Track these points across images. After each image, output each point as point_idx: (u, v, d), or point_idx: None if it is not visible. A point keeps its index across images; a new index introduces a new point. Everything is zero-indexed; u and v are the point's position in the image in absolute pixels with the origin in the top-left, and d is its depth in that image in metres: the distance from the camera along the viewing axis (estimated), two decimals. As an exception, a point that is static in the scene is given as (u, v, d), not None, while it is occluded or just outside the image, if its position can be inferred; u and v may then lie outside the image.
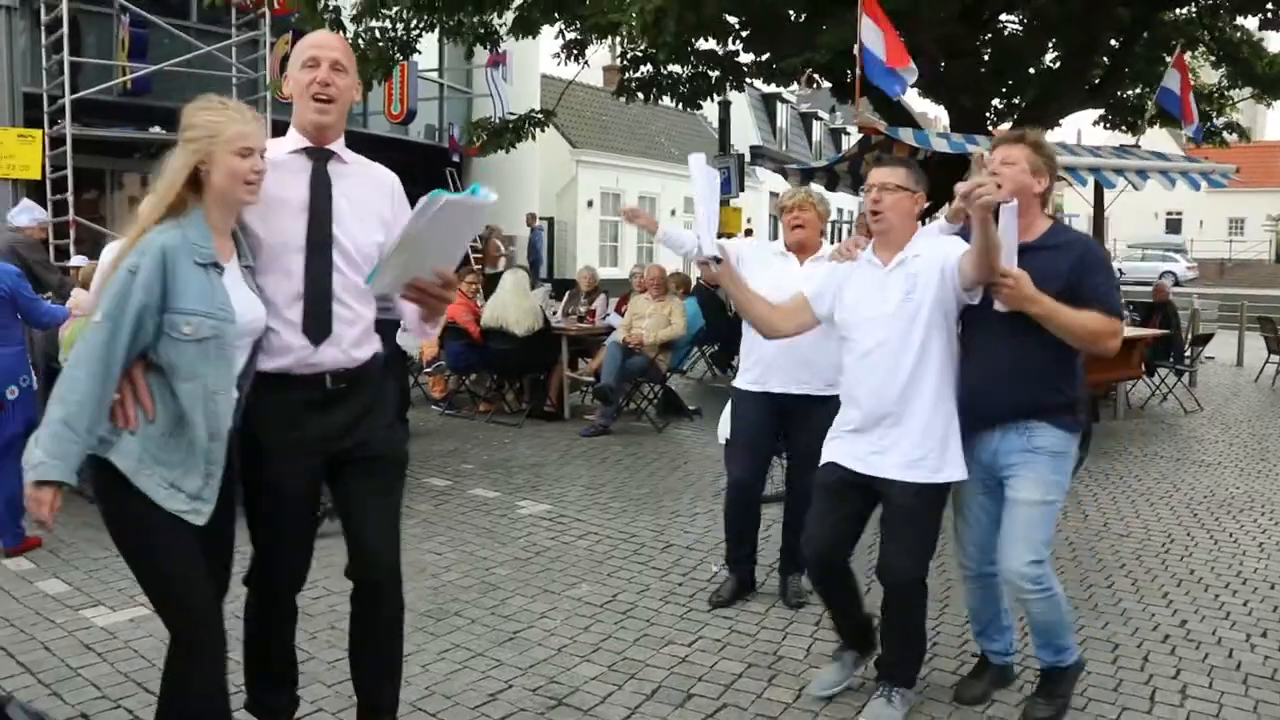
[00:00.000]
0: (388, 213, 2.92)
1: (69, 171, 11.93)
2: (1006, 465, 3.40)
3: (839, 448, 3.52)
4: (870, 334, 3.40)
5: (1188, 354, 11.56)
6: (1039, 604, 3.38)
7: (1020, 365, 3.32)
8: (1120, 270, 30.47)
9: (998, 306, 3.26)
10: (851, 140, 8.75)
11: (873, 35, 7.08)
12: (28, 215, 7.54)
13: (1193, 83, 9.82)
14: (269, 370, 2.74)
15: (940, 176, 7.91)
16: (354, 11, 10.53)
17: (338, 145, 2.86)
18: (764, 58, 12.38)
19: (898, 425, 3.34)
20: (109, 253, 5.43)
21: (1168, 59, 9.90)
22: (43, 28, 12.49)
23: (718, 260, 3.61)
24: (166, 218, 2.53)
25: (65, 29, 11.83)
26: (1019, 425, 3.37)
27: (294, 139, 2.84)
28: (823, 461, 3.54)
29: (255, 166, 2.57)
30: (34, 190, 12.08)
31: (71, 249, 11.26)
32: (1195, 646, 4.25)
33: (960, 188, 2.93)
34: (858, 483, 3.43)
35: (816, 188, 9.52)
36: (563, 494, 6.70)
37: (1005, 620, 3.75)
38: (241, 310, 2.59)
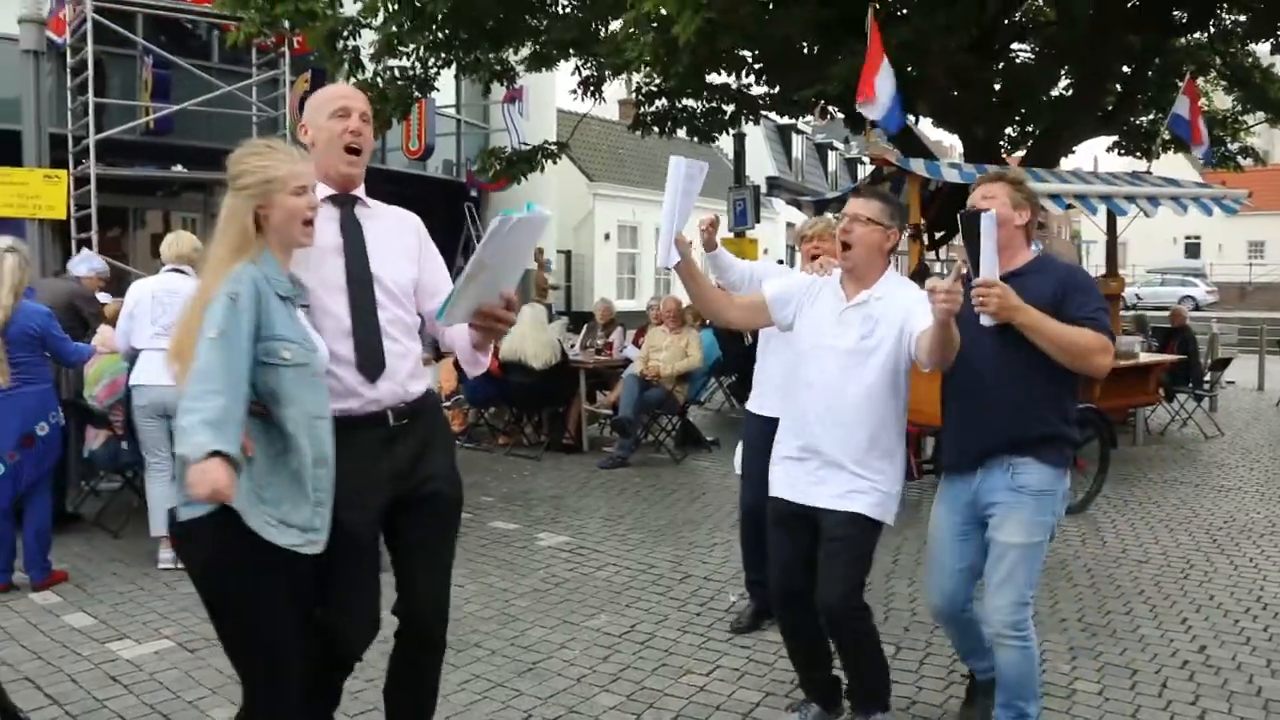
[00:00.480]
0: (415, 249, 2.99)
1: (93, 210, 12.11)
2: (989, 504, 3.28)
3: (780, 478, 3.50)
4: (819, 364, 3.36)
5: (1207, 379, 11.51)
6: (1014, 653, 3.25)
7: (1005, 394, 3.20)
8: (1137, 295, 30.40)
9: (984, 321, 3.11)
10: (867, 170, 8.82)
11: (885, 75, 7.25)
12: (87, 265, 7.83)
13: (1205, 107, 9.86)
14: (334, 414, 2.69)
15: (952, 206, 7.99)
16: (372, 50, 10.69)
17: (359, 190, 2.93)
18: (777, 90, 12.49)
19: (836, 458, 3.31)
20: (137, 290, 5.53)
21: (1180, 85, 9.94)
22: (69, 70, 12.73)
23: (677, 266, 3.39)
24: (241, 259, 2.53)
25: (90, 71, 12.05)
26: (1003, 461, 3.24)
27: (319, 188, 2.85)
28: (770, 494, 3.53)
29: (311, 203, 2.62)
30: (58, 229, 12.27)
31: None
32: (1215, 673, 4.25)
33: (930, 284, 2.85)
34: (801, 513, 3.41)
35: (832, 218, 9.59)
36: (582, 526, 6.73)
37: (981, 646, 3.55)
38: (318, 342, 2.63)
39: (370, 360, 2.79)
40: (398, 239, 2.96)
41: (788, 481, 3.45)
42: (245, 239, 2.54)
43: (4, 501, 5.15)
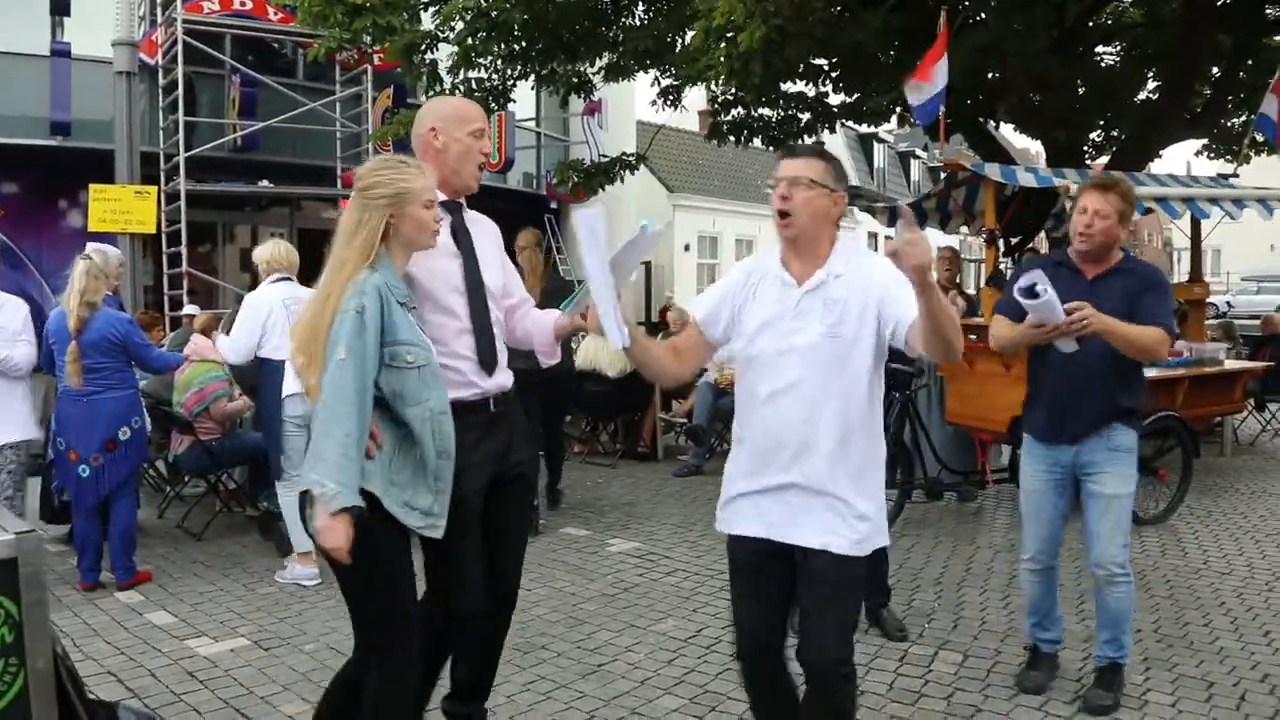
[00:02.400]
0: (501, 256, 3.30)
1: (183, 225, 12.53)
2: (1090, 464, 3.85)
3: (743, 513, 2.88)
4: (781, 371, 2.77)
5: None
6: (1121, 588, 3.86)
7: (1100, 378, 3.76)
8: (1228, 303, 29.47)
9: (1065, 347, 3.68)
10: (942, 179, 8.79)
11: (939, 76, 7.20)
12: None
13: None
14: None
15: (1028, 212, 7.87)
16: (450, 63, 10.88)
17: (462, 200, 3.22)
18: (854, 98, 12.41)
19: (818, 484, 2.74)
20: (254, 299, 5.62)
21: (1270, 82, 9.64)
22: (160, 90, 13.20)
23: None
24: (365, 265, 2.74)
25: (180, 91, 12.47)
26: (1101, 430, 3.81)
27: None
28: (729, 534, 2.94)
29: (438, 216, 2.87)
30: (149, 244, 12.72)
31: (185, 299, 11.79)
32: (1299, 687, 4.11)
33: (887, 247, 2.43)
34: (775, 552, 2.82)
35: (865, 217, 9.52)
36: (652, 532, 6.75)
37: (1058, 611, 4.16)
38: (427, 342, 2.86)
39: (488, 356, 3.09)
40: (491, 246, 3.25)
41: (756, 515, 2.85)
42: (372, 246, 2.74)
43: (90, 503, 5.35)
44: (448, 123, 3.10)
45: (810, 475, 2.73)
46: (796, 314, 2.76)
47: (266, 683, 4.18)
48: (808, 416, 2.72)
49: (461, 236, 3.12)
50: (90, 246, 5.60)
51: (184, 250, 12.54)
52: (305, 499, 2.65)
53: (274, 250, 5.78)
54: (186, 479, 7.12)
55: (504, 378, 3.16)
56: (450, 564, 3.08)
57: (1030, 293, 3.53)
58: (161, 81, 13.20)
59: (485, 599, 3.14)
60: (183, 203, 12.49)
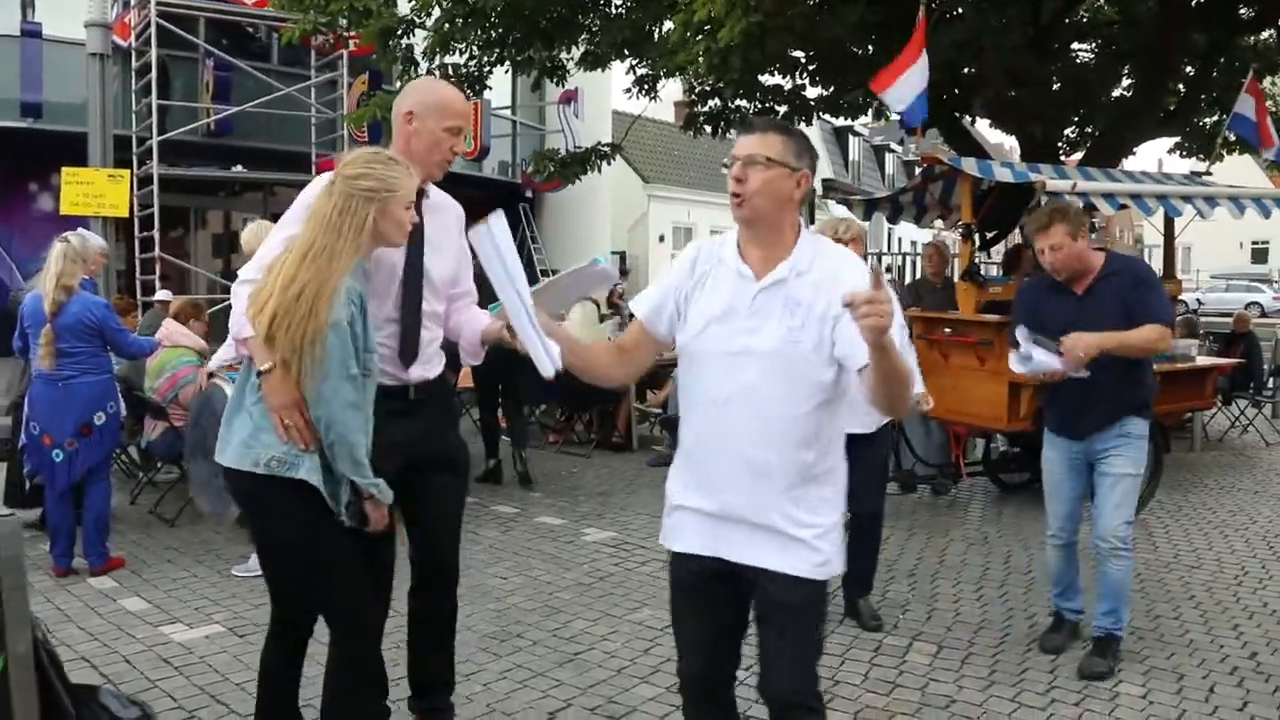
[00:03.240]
0: (459, 243, 3.21)
1: (155, 210, 12.40)
2: (1103, 449, 4.18)
3: (688, 528, 2.54)
4: (731, 374, 2.42)
5: (1269, 385, 11.27)
6: (1122, 562, 4.17)
7: (1108, 381, 4.05)
8: (1199, 301, 29.80)
9: (1073, 375, 4.02)
10: (918, 173, 8.82)
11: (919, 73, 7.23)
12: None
13: (1271, 108, 9.65)
14: None
15: (1004, 207, 7.92)
16: (425, 48, 10.83)
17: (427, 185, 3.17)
18: (830, 91, 12.45)
19: (771, 499, 2.42)
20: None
21: (1244, 82, 9.73)
22: (133, 73, 13.05)
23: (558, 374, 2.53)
24: (353, 260, 2.75)
25: (154, 74, 12.34)
26: (1115, 421, 4.14)
27: None
28: (672, 550, 2.60)
29: (413, 217, 2.87)
30: (121, 228, 12.58)
31: (157, 284, 11.68)
32: (1265, 679, 4.17)
33: (845, 298, 2.09)
34: (722, 571, 2.50)
35: (842, 210, 9.58)
36: (628, 521, 6.76)
37: (1079, 583, 4.53)
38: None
39: (408, 349, 3.10)
40: (449, 235, 3.20)
41: (701, 531, 2.52)
42: (361, 237, 2.73)
43: (63, 487, 5.30)
44: (427, 110, 3.07)
45: (760, 494, 2.41)
46: (752, 311, 2.42)
47: (242, 669, 4.15)
48: (760, 429, 2.39)
49: (417, 224, 3.03)
50: (75, 232, 5.51)
51: (156, 235, 12.42)
52: (354, 494, 2.77)
53: (259, 231, 5.66)
54: (159, 465, 7.06)
55: (424, 369, 3.15)
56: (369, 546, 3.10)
57: (1024, 359, 4.11)
58: (134, 64, 13.05)
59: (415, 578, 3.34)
60: (155, 187, 12.37)
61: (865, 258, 4.65)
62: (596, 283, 2.98)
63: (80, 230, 5.76)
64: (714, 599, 2.54)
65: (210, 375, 5.50)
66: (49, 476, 5.32)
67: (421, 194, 3.09)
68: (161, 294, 9.33)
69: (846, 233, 4.62)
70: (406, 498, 3.14)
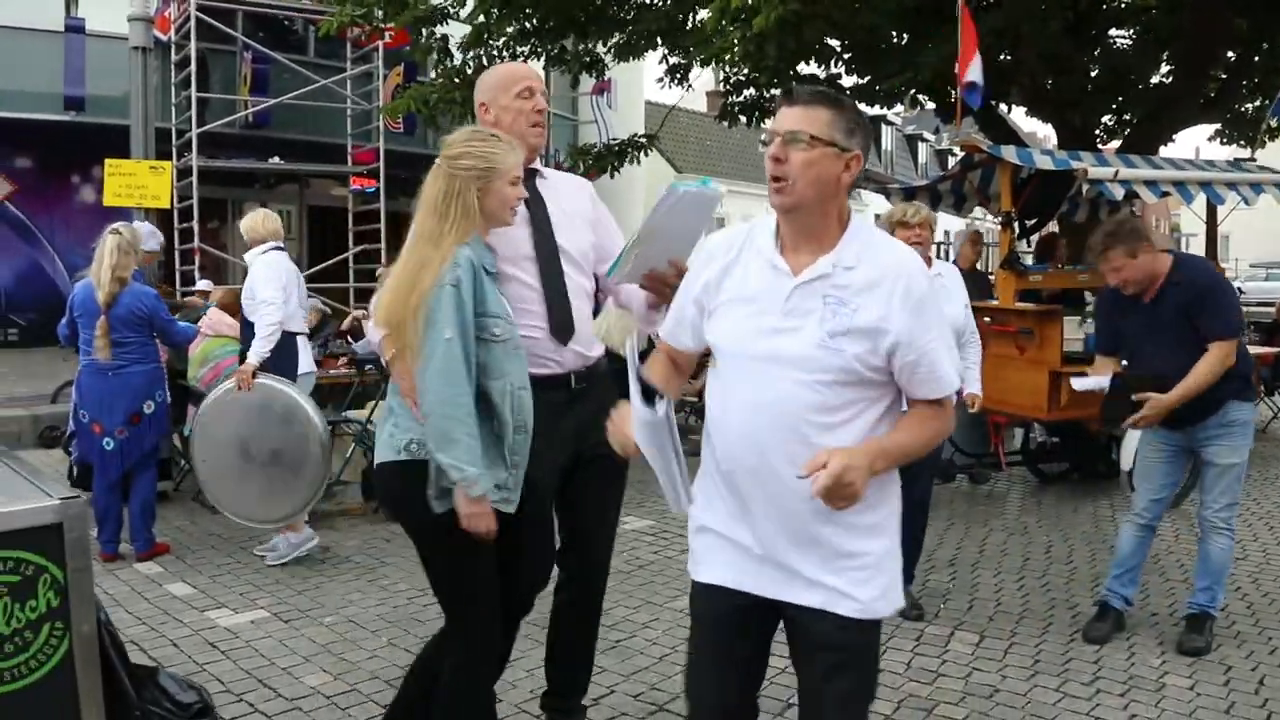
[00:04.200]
0: (591, 214, 3.18)
1: (194, 201, 12.53)
2: (1205, 438, 4.24)
3: (718, 560, 2.24)
4: (761, 383, 2.11)
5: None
6: (1223, 541, 4.29)
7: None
8: (1240, 290, 29.35)
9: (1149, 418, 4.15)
10: (957, 159, 8.73)
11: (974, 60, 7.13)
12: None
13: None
14: None
15: (1044, 195, 7.84)
16: (461, 41, 10.87)
17: (538, 163, 3.15)
18: (866, 80, 12.36)
19: (814, 529, 2.12)
20: (273, 263, 5.43)
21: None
22: (173, 66, 13.19)
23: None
24: (460, 238, 2.72)
25: (194, 67, 12.46)
26: (1216, 411, 4.17)
27: None
28: (697, 581, 2.30)
29: (520, 194, 2.81)
30: (161, 219, 12.72)
31: (196, 274, 11.82)
32: (1313, 670, 4.13)
33: (815, 487, 1.96)
34: (758, 606, 2.21)
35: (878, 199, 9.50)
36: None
37: (1139, 573, 4.56)
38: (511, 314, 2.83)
39: (561, 326, 2.98)
40: (576, 208, 3.14)
41: (729, 562, 2.23)
42: (469, 218, 2.70)
43: (113, 475, 5.39)
44: (494, 92, 3.06)
45: (800, 524, 2.12)
46: (787, 311, 2.11)
47: (288, 654, 4.21)
48: (797, 449, 2.06)
49: (533, 202, 3.01)
50: (125, 224, 5.61)
51: (195, 226, 12.55)
52: (438, 478, 2.63)
53: (266, 219, 5.67)
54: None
55: (584, 348, 3.04)
56: (515, 542, 3.01)
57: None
58: (174, 58, 13.18)
59: (545, 578, 3.16)
60: (195, 179, 12.50)
61: (933, 245, 4.70)
62: (708, 208, 2.67)
63: (129, 224, 5.83)
64: (745, 633, 2.26)
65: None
66: (99, 464, 5.40)
67: (535, 174, 3.07)
68: (202, 284, 9.44)
69: (915, 216, 4.55)
70: (564, 492, 3.10)
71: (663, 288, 2.79)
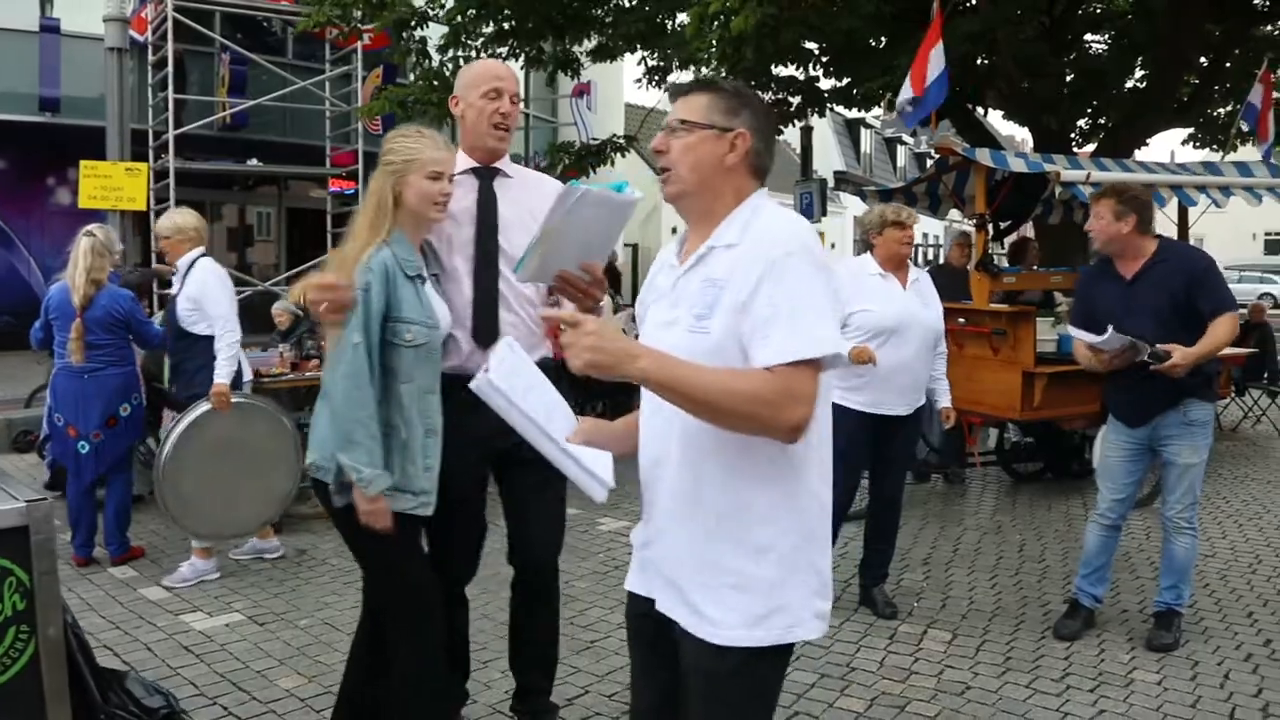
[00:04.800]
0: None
1: (171, 203, 12.45)
2: (1166, 437, 4.28)
3: (634, 564, 2.15)
4: None
5: (1284, 376, 11.22)
6: (1186, 540, 4.34)
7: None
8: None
9: (1152, 364, 4.05)
10: (932, 163, 8.79)
11: (935, 61, 7.13)
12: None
13: (1278, 95, 9.55)
14: (443, 371, 2.93)
15: (1018, 198, 7.91)
16: (440, 42, 10.86)
17: (503, 163, 3.16)
18: (844, 83, 12.42)
19: (694, 539, 1.95)
20: (217, 271, 5.40)
21: (1258, 72, 9.69)
22: (150, 67, 13.12)
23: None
24: (376, 235, 2.78)
25: (170, 68, 12.40)
26: (1177, 406, 4.21)
27: (463, 160, 3.11)
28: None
29: (443, 190, 2.85)
30: (138, 221, 12.64)
31: (172, 277, 11.75)
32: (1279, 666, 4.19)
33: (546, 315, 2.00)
34: (656, 615, 2.03)
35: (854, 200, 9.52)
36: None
37: (1108, 572, 4.60)
38: (441, 316, 2.88)
39: (484, 329, 3.01)
40: (532, 210, 2.99)
41: (636, 566, 2.14)
42: (381, 214, 2.77)
43: (88, 479, 5.36)
44: (465, 89, 3.10)
45: (682, 530, 1.97)
46: (674, 302, 2.00)
47: (262, 657, 4.21)
48: (682, 449, 1.95)
49: (486, 202, 3.04)
50: (98, 226, 5.58)
51: (172, 228, 12.47)
52: (336, 481, 2.70)
53: (199, 220, 5.52)
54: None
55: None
56: (440, 540, 3.13)
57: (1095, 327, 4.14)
58: (151, 59, 13.11)
59: (471, 570, 3.27)
60: (172, 180, 12.42)
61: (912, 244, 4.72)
62: (620, 211, 2.48)
63: (99, 225, 5.80)
64: (652, 648, 2.10)
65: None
66: (73, 468, 5.37)
67: (494, 174, 3.10)
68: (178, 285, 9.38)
69: (910, 218, 4.65)
70: (503, 493, 3.18)
71: (573, 290, 2.72)
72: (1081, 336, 4.22)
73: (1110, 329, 4.05)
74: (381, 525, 2.70)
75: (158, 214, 12.46)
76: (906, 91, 7.34)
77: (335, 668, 4.07)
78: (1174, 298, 4.10)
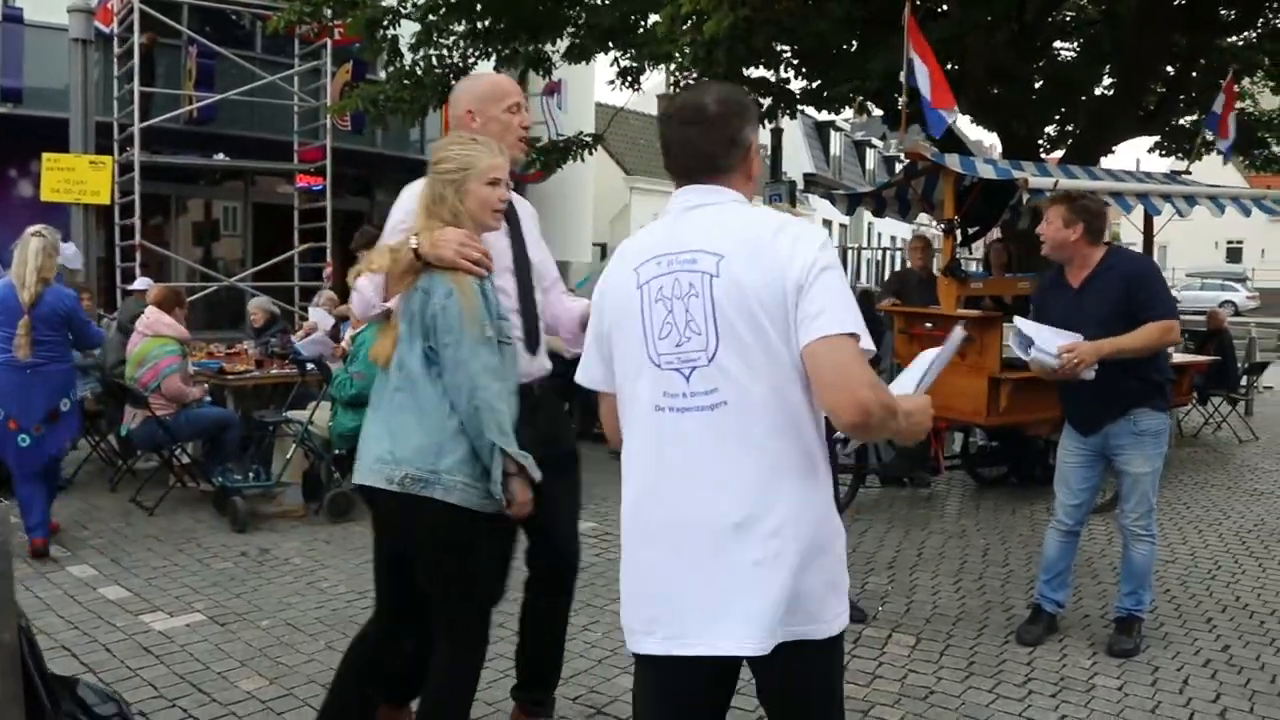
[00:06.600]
0: (536, 232, 3.29)
1: (136, 197, 12.31)
2: (1118, 447, 4.31)
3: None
4: None
5: (1243, 383, 11.38)
6: (1144, 547, 4.37)
7: (1117, 371, 4.09)
8: (1177, 300, 29.99)
9: (1086, 375, 4.06)
10: (901, 167, 8.81)
11: (921, 73, 7.09)
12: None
13: (1248, 108, 9.69)
14: None
15: (986, 203, 7.96)
16: (412, 40, 10.80)
17: None
18: (815, 85, 12.46)
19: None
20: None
21: (1223, 83, 9.82)
22: (115, 59, 12.94)
23: None
24: None
25: (136, 60, 12.25)
26: (1128, 415, 4.24)
27: None
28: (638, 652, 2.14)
29: (502, 195, 2.85)
30: (102, 215, 12.48)
31: (137, 271, 11.61)
32: (1237, 671, 4.23)
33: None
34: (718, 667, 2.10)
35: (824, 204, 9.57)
36: (608, 513, 6.78)
37: (1069, 576, 4.61)
38: None
39: (533, 336, 3.13)
40: (532, 227, 3.25)
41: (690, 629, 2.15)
42: (456, 220, 2.75)
43: (34, 469, 5.45)
44: (484, 102, 3.13)
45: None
46: None
47: (223, 658, 4.16)
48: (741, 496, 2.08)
49: (511, 214, 3.09)
50: (45, 227, 5.65)
51: (137, 223, 12.33)
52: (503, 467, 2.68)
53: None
54: (139, 453, 7.04)
55: (545, 360, 3.19)
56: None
57: (1023, 344, 4.14)
58: (117, 50, 12.94)
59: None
60: (137, 174, 12.27)
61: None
62: None
63: (57, 238, 5.76)
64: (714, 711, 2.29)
65: None
66: (15, 461, 5.44)
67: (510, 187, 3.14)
68: (141, 282, 9.29)
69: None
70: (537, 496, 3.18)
71: None
72: (1020, 355, 4.27)
73: (1034, 351, 4.09)
74: (526, 510, 2.75)
75: (122, 208, 12.38)
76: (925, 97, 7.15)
77: (297, 669, 4.04)
78: (1116, 305, 4.14)
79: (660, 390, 2.02)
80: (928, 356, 2.26)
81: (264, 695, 3.81)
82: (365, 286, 2.76)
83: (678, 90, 12.84)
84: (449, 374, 2.61)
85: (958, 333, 2.36)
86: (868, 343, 1.95)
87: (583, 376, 2.18)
